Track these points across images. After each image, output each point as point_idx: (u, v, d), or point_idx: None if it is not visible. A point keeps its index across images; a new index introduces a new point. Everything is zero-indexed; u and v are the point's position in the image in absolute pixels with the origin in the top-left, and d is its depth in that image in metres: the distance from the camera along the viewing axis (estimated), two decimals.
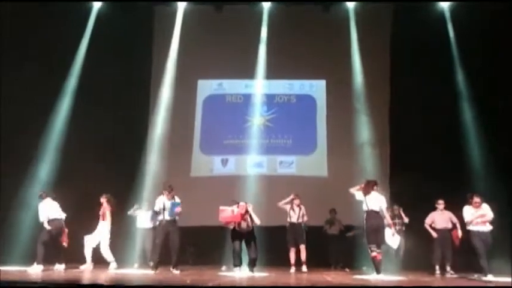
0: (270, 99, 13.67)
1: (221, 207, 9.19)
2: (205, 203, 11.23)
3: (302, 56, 13.21)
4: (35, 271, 8.91)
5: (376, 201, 8.82)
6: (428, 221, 10.46)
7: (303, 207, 10.48)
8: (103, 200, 10.12)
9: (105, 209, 10.06)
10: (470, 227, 9.05)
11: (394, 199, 11.27)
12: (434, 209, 10.49)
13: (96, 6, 12.98)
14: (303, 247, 10.30)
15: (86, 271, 9.48)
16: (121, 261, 10.29)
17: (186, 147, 13.32)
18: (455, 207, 10.29)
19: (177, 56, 13.20)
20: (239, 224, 9.12)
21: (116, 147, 12.34)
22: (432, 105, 11.99)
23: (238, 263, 9.09)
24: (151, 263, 10.19)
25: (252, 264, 9.13)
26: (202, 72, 13.63)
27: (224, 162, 13.36)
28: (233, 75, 13.67)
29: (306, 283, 7.75)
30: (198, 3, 13.38)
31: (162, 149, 12.69)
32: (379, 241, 8.75)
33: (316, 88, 13.73)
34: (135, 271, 9.77)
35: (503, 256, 9.30)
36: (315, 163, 13.22)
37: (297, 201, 10.43)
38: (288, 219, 10.46)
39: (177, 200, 9.45)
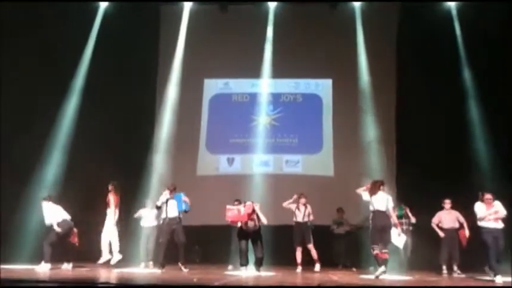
0: (276, 98, 13.67)
1: (228, 207, 9.20)
2: (211, 202, 11.26)
3: (308, 55, 13.20)
4: (43, 270, 8.94)
5: (383, 201, 8.77)
6: (435, 220, 10.44)
7: (309, 206, 10.45)
8: (110, 188, 10.00)
9: (111, 195, 9.95)
10: (481, 223, 8.73)
11: (400, 198, 11.23)
12: (441, 208, 10.47)
13: (103, 6, 13.01)
14: (310, 246, 10.26)
15: (94, 270, 9.49)
16: (127, 261, 10.31)
17: (192, 146, 13.34)
18: (462, 207, 10.30)
19: (183, 55, 13.23)
20: (246, 223, 9.12)
21: (122, 147, 12.37)
22: (438, 104, 11.95)
23: (244, 263, 9.09)
24: (151, 262, 10.25)
25: (258, 264, 9.13)
26: (208, 71, 13.65)
27: (230, 161, 13.37)
28: (239, 74, 13.68)
29: (312, 283, 7.74)
30: (203, 3, 13.39)
31: (169, 148, 12.73)
32: (385, 241, 8.70)
33: (322, 87, 13.71)
34: (141, 270, 9.78)
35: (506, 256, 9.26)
36: (321, 162, 13.21)
37: (302, 200, 10.41)
38: (294, 219, 10.45)
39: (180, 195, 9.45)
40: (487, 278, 8.74)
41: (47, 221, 9.54)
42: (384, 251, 8.73)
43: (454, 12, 12.76)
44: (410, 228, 10.84)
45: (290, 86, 13.81)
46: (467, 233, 10.06)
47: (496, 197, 8.98)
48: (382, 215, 8.71)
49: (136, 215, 10.96)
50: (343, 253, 11.63)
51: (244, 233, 9.16)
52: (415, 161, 11.95)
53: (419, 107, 12.11)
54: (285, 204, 10.44)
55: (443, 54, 12.44)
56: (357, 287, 7.51)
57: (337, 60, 13.37)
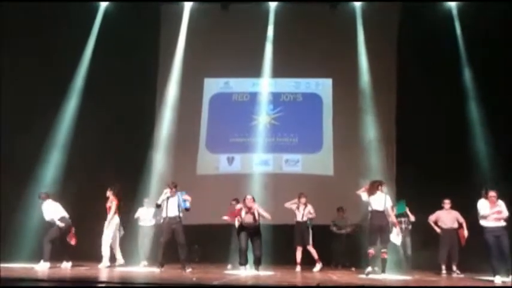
0: (276, 98, 13.67)
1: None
2: (211, 201, 11.27)
3: (308, 55, 13.19)
4: (42, 268, 8.94)
5: (381, 201, 8.89)
6: (432, 218, 10.47)
7: (309, 206, 10.43)
8: (109, 193, 10.00)
9: (109, 201, 9.95)
10: (483, 222, 8.58)
11: (400, 198, 11.23)
12: (441, 208, 10.48)
13: (103, 5, 13.02)
14: (309, 247, 10.25)
15: (93, 269, 9.49)
16: (127, 260, 10.31)
17: (192, 145, 13.34)
18: (461, 207, 10.30)
19: (183, 54, 13.24)
20: (244, 218, 9.10)
21: (122, 146, 12.36)
22: (439, 104, 11.94)
23: (244, 262, 9.09)
24: (145, 262, 10.25)
25: (257, 263, 9.13)
26: (208, 70, 13.66)
27: (230, 161, 13.37)
28: (239, 73, 13.69)
29: (311, 282, 7.74)
30: (204, 2, 13.39)
31: (169, 147, 12.74)
32: (383, 241, 8.84)
33: (323, 86, 13.71)
34: (141, 269, 9.78)
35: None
36: (321, 161, 13.21)
37: (302, 200, 10.41)
38: (295, 218, 10.46)
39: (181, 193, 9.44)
40: (486, 277, 8.73)
41: (48, 217, 9.55)
42: (383, 250, 8.83)
43: (454, 12, 12.75)
44: (410, 227, 10.85)
45: (290, 85, 13.81)
46: (466, 233, 10.10)
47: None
48: (379, 214, 8.83)
49: (136, 215, 10.96)
50: (343, 253, 11.62)
51: (244, 230, 9.15)
52: (415, 161, 11.94)
53: (419, 106, 12.09)
54: (286, 204, 10.46)
55: (444, 54, 12.42)
56: (356, 286, 7.51)
57: (337, 59, 13.35)
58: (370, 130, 12.67)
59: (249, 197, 9.30)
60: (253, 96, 13.69)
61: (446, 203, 10.42)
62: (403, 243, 10.28)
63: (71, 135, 12.08)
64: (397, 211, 10.22)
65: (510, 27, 11.16)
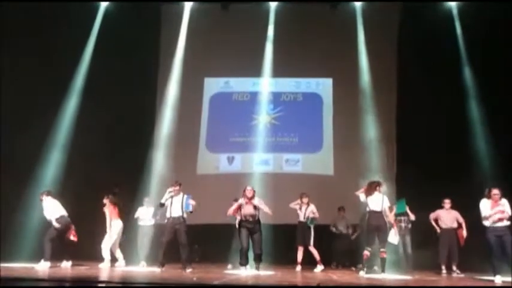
0: (277, 97, 13.67)
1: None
2: (211, 201, 11.25)
3: (308, 54, 13.19)
4: (42, 268, 8.95)
5: (378, 201, 9.01)
6: (433, 215, 10.49)
7: (311, 206, 10.43)
8: (105, 201, 10.12)
9: (106, 209, 10.09)
10: (485, 222, 8.51)
11: (400, 197, 11.22)
12: (441, 207, 10.48)
13: (103, 5, 13.03)
14: (310, 248, 10.23)
15: (93, 269, 9.50)
16: (127, 260, 10.33)
17: (192, 145, 13.34)
18: (462, 206, 10.31)
19: (183, 54, 13.25)
20: (244, 209, 9.08)
21: (122, 146, 12.35)
22: (439, 104, 11.94)
23: (244, 262, 9.07)
24: (144, 263, 10.25)
25: (257, 261, 9.10)
26: (208, 70, 13.67)
27: (230, 160, 13.37)
28: (240, 73, 13.70)
29: (311, 282, 7.74)
30: (204, 2, 13.39)
31: (169, 147, 12.75)
32: (381, 240, 8.95)
33: (323, 86, 13.71)
34: (141, 269, 9.79)
35: None
36: (321, 161, 13.21)
37: (304, 200, 10.42)
38: (298, 218, 10.47)
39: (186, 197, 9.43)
40: (486, 277, 8.73)
41: (47, 217, 9.57)
42: (381, 250, 8.91)
43: (454, 12, 12.75)
44: (410, 225, 10.82)
45: (290, 85, 13.81)
46: (465, 233, 10.13)
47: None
48: (377, 215, 8.96)
49: (136, 215, 10.96)
50: (343, 253, 11.62)
51: (244, 227, 9.12)
52: (415, 161, 11.94)
53: (420, 106, 12.09)
54: (291, 205, 10.47)
55: (444, 54, 12.42)
56: (356, 286, 7.50)
57: (337, 59, 13.35)
58: (371, 130, 12.67)
59: (249, 187, 9.32)
60: (254, 96, 13.69)
61: (447, 202, 10.43)
62: (403, 242, 10.28)
63: (71, 134, 12.09)
64: (397, 210, 10.21)
65: (510, 27, 11.15)
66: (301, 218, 10.36)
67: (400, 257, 10.26)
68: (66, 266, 9.52)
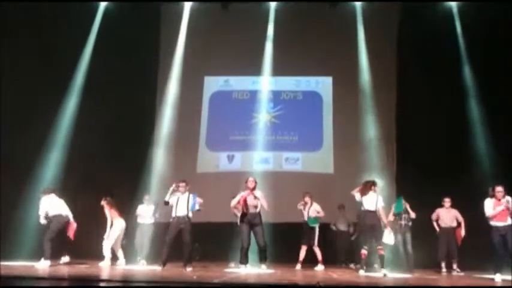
0: (277, 96, 13.68)
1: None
2: (211, 199, 11.20)
3: (308, 53, 13.21)
4: (42, 266, 8.96)
5: (373, 201, 9.13)
6: (434, 216, 10.51)
7: (314, 205, 10.46)
8: (103, 203, 10.19)
9: (105, 210, 10.19)
10: (490, 221, 8.53)
11: (398, 196, 11.23)
12: (441, 206, 10.50)
13: (103, 5, 13.04)
14: (314, 247, 10.30)
15: (94, 267, 9.51)
16: (128, 259, 10.35)
17: (192, 143, 13.35)
18: (461, 205, 10.32)
19: (183, 52, 13.27)
20: (247, 200, 9.06)
21: (122, 145, 12.37)
22: (439, 104, 11.95)
23: (244, 261, 9.03)
24: (144, 261, 10.25)
25: (262, 255, 9.00)
26: (208, 68, 13.67)
27: (230, 159, 13.38)
28: (240, 71, 13.70)
29: (311, 280, 7.74)
30: (204, 2, 13.39)
31: (169, 145, 12.77)
32: (377, 239, 9.04)
33: (323, 85, 13.72)
34: (142, 267, 9.79)
35: None
36: (321, 160, 13.22)
37: (306, 199, 10.45)
38: (302, 218, 10.51)
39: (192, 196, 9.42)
40: (486, 276, 8.74)
41: (39, 212, 9.61)
42: (378, 247, 9.00)
43: (454, 12, 12.75)
44: (410, 223, 10.80)
45: (290, 83, 13.82)
46: (463, 232, 10.15)
47: None
48: (371, 214, 9.08)
49: (136, 213, 10.96)
50: (343, 251, 11.62)
51: (246, 219, 9.07)
52: (415, 160, 11.95)
53: (419, 105, 12.10)
54: (298, 206, 10.53)
55: (444, 54, 12.43)
56: (356, 286, 7.50)
57: (337, 58, 13.37)
58: (371, 129, 12.69)
59: (251, 178, 9.31)
60: (254, 94, 13.69)
61: (446, 201, 10.44)
62: (404, 240, 10.27)
63: (71, 134, 12.09)
64: (395, 210, 10.24)
65: (510, 27, 11.15)
66: (305, 218, 10.39)
67: (401, 255, 10.26)
68: (64, 260, 9.56)
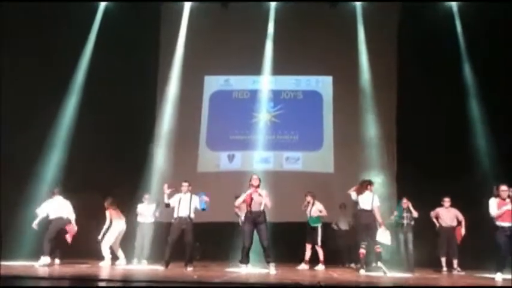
0: (277, 95, 13.68)
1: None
2: (212, 199, 11.20)
3: (308, 53, 13.22)
4: (43, 262, 9.05)
5: (368, 200, 9.26)
6: (433, 213, 10.53)
7: (316, 204, 10.50)
8: (107, 205, 10.31)
9: (107, 211, 10.29)
10: (495, 221, 8.48)
11: (400, 195, 11.23)
12: (441, 206, 10.49)
13: (103, 5, 13.05)
14: (317, 247, 10.36)
15: (94, 267, 9.50)
16: (128, 258, 10.35)
17: (192, 143, 13.35)
18: (462, 204, 10.31)
19: (183, 52, 13.28)
20: (251, 203, 8.99)
21: (123, 143, 12.36)
22: (439, 103, 11.95)
23: (245, 261, 8.97)
24: (145, 260, 10.24)
25: (267, 255, 8.87)
26: (209, 68, 13.67)
27: (230, 158, 13.38)
28: (240, 71, 13.70)
29: (312, 280, 7.74)
30: (204, 1, 13.38)
31: (169, 145, 12.78)
32: (371, 238, 9.17)
33: (323, 84, 13.71)
34: (142, 267, 9.79)
35: None
36: (321, 159, 13.22)
37: (307, 198, 10.50)
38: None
39: (196, 196, 9.40)
40: (487, 275, 8.73)
41: (49, 216, 9.62)
42: (376, 246, 9.11)
43: (455, 11, 12.75)
44: (412, 222, 10.77)
45: (291, 83, 13.82)
46: (463, 231, 10.17)
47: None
48: (366, 213, 9.24)
49: (137, 212, 10.96)
50: (344, 250, 11.62)
51: (250, 217, 9.00)
52: (415, 159, 11.95)
53: (420, 105, 12.10)
54: (302, 207, 10.60)
55: (444, 53, 12.44)
56: (356, 285, 7.50)
57: (337, 57, 13.37)
58: (371, 128, 12.69)
59: (254, 176, 9.27)
60: (254, 94, 13.69)
61: (446, 201, 10.44)
62: (405, 239, 10.26)
63: (72, 133, 12.10)
64: (398, 214, 10.27)
65: (510, 27, 11.15)
66: (307, 217, 10.44)
67: (401, 254, 10.26)
68: (56, 263, 9.64)
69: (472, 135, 11.98)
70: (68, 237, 9.73)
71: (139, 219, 10.90)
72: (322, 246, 10.40)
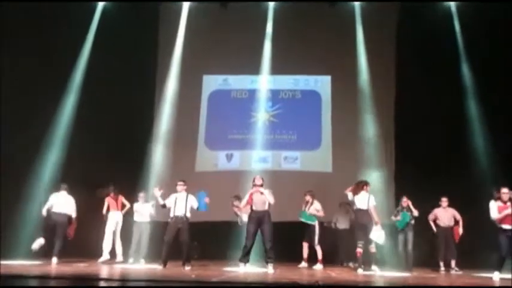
0: (275, 95, 13.68)
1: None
2: (210, 198, 11.24)
3: (307, 52, 13.22)
4: (38, 244, 9.37)
5: (364, 200, 9.39)
6: (431, 216, 10.53)
7: (315, 203, 10.57)
8: (106, 192, 10.51)
9: (107, 200, 10.42)
10: (497, 223, 8.50)
11: (399, 195, 11.25)
12: (438, 206, 10.51)
13: (101, 5, 13.06)
14: (315, 246, 10.41)
15: (92, 266, 9.53)
16: (126, 258, 10.36)
17: (191, 142, 13.35)
18: (460, 204, 10.34)
19: (182, 52, 13.28)
20: (255, 197, 9.04)
21: (121, 143, 12.37)
22: (438, 103, 11.97)
23: (244, 260, 9.00)
24: (143, 260, 10.25)
25: (268, 255, 8.92)
26: (207, 67, 13.67)
27: (229, 157, 13.39)
28: (238, 70, 13.70)
29: (310, 279, 7.76)
30: (203, 1, 13.40)
31: (167, 144, 12.78)
32: (367, 237, 9.28)
33: (321, 84, 13.72)
34: (140, 266, 9.81)
35: None
36: (319, 159, 13.23)
37: (306, 198, 10.55)
38: None
39: (192, 196, 9.42)
40: (485, 275, 8.75)
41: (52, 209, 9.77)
42: (370, 246, 9.26)
43: (453, 11, 12.76)
44: (413, 222, 10.77)
45: (289, 82, 13.82)
46: (460, 230, 10.20)
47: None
48: (363, 213, 9.37)
49: (133, 210, 10.98)
50: (342, 249, 11.63)
51: (254, 216, 9.04)
52: (414, 159, 11.98)
53: (418, 104, 12.11)
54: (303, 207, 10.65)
55: (443, 53, 12.45)
56: (356, 286, 7.51)
57: (336, 57, 13.37)
58: (369, 127, 12.70)
59: (258, 176, 9.34)
60: (252, 93, 13.70)
61: (444, 201, 10.46)
62: (405, 238, 10.27)
63: (71, 132, 12.11)
64: (404, 219, 10.29)
65: (509, 27, 11.17)
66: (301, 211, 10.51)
67: (400, 254, 10.29)
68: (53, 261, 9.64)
69: (471, 135, 12.00)
70: (70, 232, 9.80)
71: (136, 217, 10.91)
72: (321, 245, 10.40)
